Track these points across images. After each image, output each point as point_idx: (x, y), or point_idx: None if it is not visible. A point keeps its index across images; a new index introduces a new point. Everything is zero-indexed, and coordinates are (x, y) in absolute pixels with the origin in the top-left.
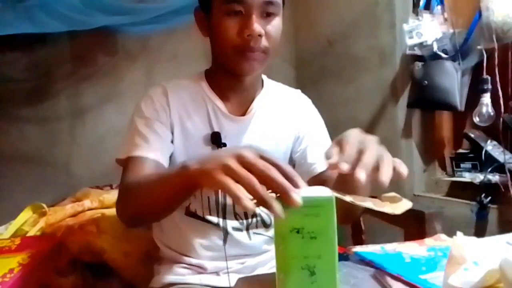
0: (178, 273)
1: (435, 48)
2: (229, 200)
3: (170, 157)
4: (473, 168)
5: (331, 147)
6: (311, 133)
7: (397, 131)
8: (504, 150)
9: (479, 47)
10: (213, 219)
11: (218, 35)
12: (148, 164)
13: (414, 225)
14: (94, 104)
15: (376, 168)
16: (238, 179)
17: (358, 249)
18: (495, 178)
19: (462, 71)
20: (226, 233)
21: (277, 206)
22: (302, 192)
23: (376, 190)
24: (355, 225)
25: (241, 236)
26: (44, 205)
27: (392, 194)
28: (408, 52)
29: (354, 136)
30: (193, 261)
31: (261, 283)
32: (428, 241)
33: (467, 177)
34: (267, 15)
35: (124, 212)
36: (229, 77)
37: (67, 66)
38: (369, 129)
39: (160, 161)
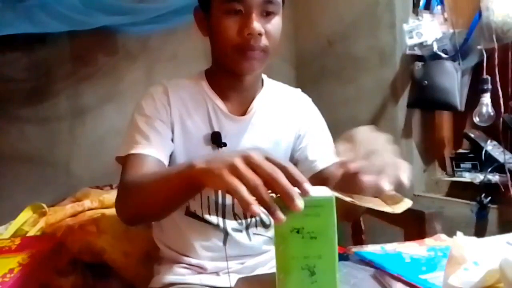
0: (178, 273)
1: (435, 48)
2: (228, 201)
3: (170, 156)
4: (473, 168)
5: (341, 144)
6: (312, 131)
7: (397, 131)
8: (504, 150)
9: (479, 47)
10: (213, 219)
11: (218, 34)
12: (149, 161)
13: (414, 225)
14: (94, 104)
15: (381, 171)
16: (243, 180)
17: (358, 249)
18: (495, 178)
19: (462, 71)
20: (226, 233)
21: (279, 212)
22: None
23: (377, 191)
24: (355, 225)
25: (241, 236)
26: (44, 205)
27: (392, 193)
28: (408, 52)
29: (365, 134)
30: (193, 261)
31: (261, 283)
32: (428, 241)
33: (467, 177)
34: (267, 14)
35: (123, 211)
36: (229, 77)
37: (67, 66)
38: None
39: (160, 159)
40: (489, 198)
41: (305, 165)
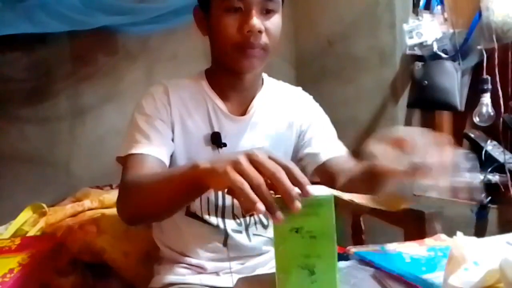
0: (178, 273)
1: (435, 48)
2: (228, 202)
3: (171, 156)
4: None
5: (378, 145)
6: (315, 125)
7: None
8: (504, 150)
9: (479, 47)
10: (213, 220)
11: (218, 33)
12: (149, 161)
13: (414, 225)
14: (94, 104)
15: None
16: (247, 178)
17: (358, 249)
18: (495, 178)
19: (462, 71)
20: (226, 235)
21: (279, 212)
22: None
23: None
24: (355, 225)
25: (241, 237)
26: (44, 205)
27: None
28: (408, 52)
29: (424, 138)
30: (193, 261)
31: (261, 283)
32: (428, 241)
33: (467, 177)
34: (267, 12)
35: (124, 211)
36: (229, 76)
37: (67, 66)
38: (369, 129)
39: (161, 158)
40: (489, 198)
41: (310, 157)
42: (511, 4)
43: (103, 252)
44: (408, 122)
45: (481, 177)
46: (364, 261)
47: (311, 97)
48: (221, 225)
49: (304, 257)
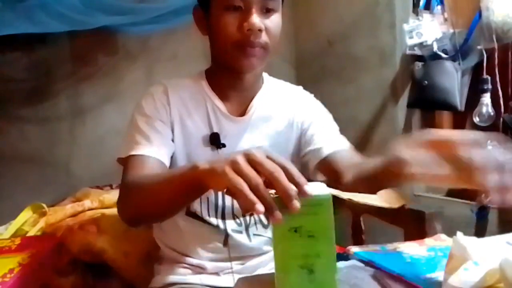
0: (178, 273)
1: (435, 48)
2: (227, 202)
3: (171, 156)
4: None
5: (409, 148)
6: (316, 122)
7: (397, 131)
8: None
9: (479, 47)
10: (213, 221)
11: (218, 32)
12: (150, 162)
13: (414, 225)
14: (94, 104)
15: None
16: (245, 178)
17: (358, 249)
18: None
19: (462, 71)
20: (226, 235)
21: (277, 212)
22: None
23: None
24: (355, 225)
25: (242, 238)
26: (44, 205)
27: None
28: (408, 52)
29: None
30: (194, 261)
31: (261, 283)
32: (428, 241)
33: None
34: (267, 11)
35: (125, 212)
36: (229, 75)
37: (67, 66)
38: (369, 129)
39: (161, 159)
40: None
41: (312, 153)
42: (511, 4)
43: (103, 252)
44: (408, 122)
45: None
46: (364, 261)
47: (312, 95)
48: (221, 225)
49: (303, 256)
